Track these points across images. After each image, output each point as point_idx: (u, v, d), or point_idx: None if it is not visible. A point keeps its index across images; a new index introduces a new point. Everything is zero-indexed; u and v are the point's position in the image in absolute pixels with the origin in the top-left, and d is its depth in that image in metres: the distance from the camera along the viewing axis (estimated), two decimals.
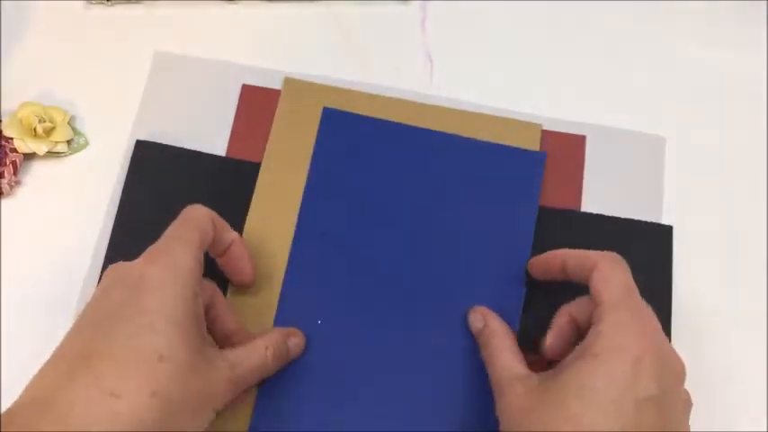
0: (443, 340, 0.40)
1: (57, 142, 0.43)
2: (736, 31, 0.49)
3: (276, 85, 0.45)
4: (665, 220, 0.44)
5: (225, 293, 0.40)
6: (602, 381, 0.30)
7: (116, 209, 0.42)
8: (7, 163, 0.42)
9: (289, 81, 0.45)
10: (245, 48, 0.47)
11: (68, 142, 0.43)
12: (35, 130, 0.42)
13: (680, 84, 0.48)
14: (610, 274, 0.33)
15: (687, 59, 0.48)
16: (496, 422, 0.34)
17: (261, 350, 0.35)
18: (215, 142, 0.44)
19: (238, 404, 0.37)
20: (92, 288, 0.39)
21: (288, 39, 0.47)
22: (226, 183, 0.43)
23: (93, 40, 0.47)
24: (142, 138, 0.44)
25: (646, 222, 0.43)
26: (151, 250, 0.33)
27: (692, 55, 0.48)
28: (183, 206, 0.36)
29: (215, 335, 0.37)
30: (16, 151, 0.42)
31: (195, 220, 0.35)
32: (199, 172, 0.43)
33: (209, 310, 0.36)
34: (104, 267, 0.40)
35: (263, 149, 0.43)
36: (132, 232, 0.41)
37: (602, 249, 0.36)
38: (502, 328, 0.37)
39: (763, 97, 0.47)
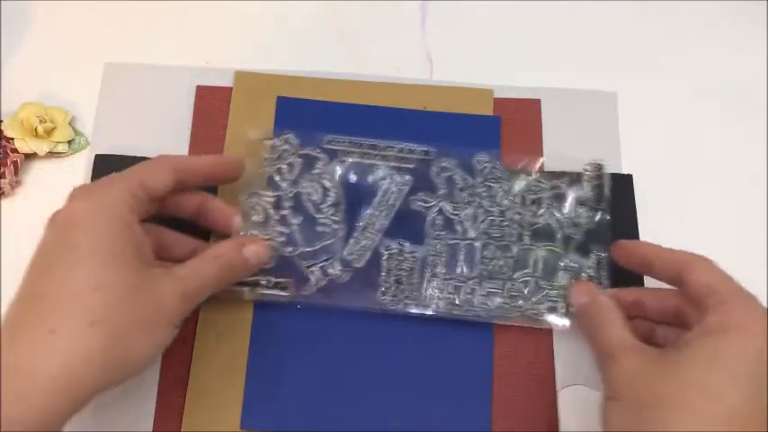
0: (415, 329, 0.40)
1: (57, 142, 0.43)
2: (736, 31, 0.49)
3: (231, 82, 0.46)
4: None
5: None
6: (739, 355, 0.31)
7: None
8: (8, 163, 0.42)
9: (240, 75, 0.46)
10: (197, 50, 0.47)
11: (69, 142, 0.44)
12: (36, 130, 0.42)
13: (680, 84, 0.48)
14: (714, 269, 0.35)
15: (687, 60, 0.48)
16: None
17: (209, 260, 0.35)
18: (176, 147, 0.44)
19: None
20: None
21: (245, 37, 0.48)
22: None
23: (94, 39, 0.47)
24: (101, 152, 0.43)
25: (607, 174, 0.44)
26: (81, 187, 0.34)
27: (693, 55, 0.49)
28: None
29: (178, 261, 0.36)
30: (17, 151, 0.42)
31: (144, 163, 0.36)
32: None
33: (159, 242, 0.37)
34: None
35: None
36: None
37: None
38: (610, 302, 0.37)
39: (763, 97, 0.48)
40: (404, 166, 0.42)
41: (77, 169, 0.43)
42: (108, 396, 0.38)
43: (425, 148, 0.42)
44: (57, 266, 0.31)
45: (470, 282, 0.40)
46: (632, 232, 0.43)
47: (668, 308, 0.37)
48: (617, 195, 0.43)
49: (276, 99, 0.45)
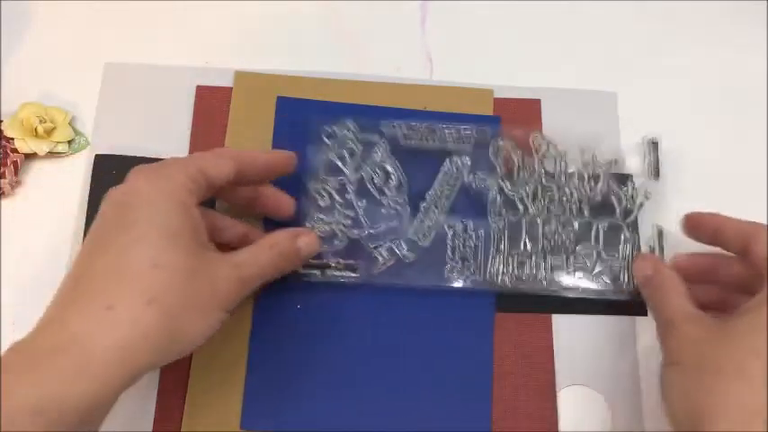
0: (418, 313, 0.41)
1: (57, 142, 0.43)
2: (737, 31, 0.49)
3: (231, 83, 0.46)
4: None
5: None
6: None
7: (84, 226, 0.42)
8: (8, 163, 0.42)
9: (240, 75, 0.46)
10: (197, 50, 0.47)
11: (69, 142, 0.43)
12: (36, 130, 0.42)
13: (680, 84, 0.48)
14: None
15: (687, 60, 0.48)
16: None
17: (265, 249, 0.36)
18: (176, 147, 0.44)
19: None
20: None
21: (245, 37, 0.47)
22: None
23: (94, 39, 0.47)
24: (101, 152, 0.43)
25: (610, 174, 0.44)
26: (141, 167, 0.34)
27: (693, 55, 0.49)
28: None
29: (228, 245, 0.37)
30: (17, 151, 0.42)
31: (206, 152, 0.36)
32: None
33: (212, 226, 0.37)
34: None
35: None
36: None
37: None
38: (673, 273, 0.38)
39: (763, 97, 0.48)
40: (462, 147, 0.43)
41: (77, 169, 0.43)
42: None
43: (483, 128, 0.43)
44: (115, 243, 0.31)
45: (534, 257, 0.41)
46: (635, 221, 0.43)
47: (740, 276, 0.38)
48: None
49: (276, 99, 0.45)
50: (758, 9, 0.50)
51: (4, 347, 0.38)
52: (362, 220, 0.41)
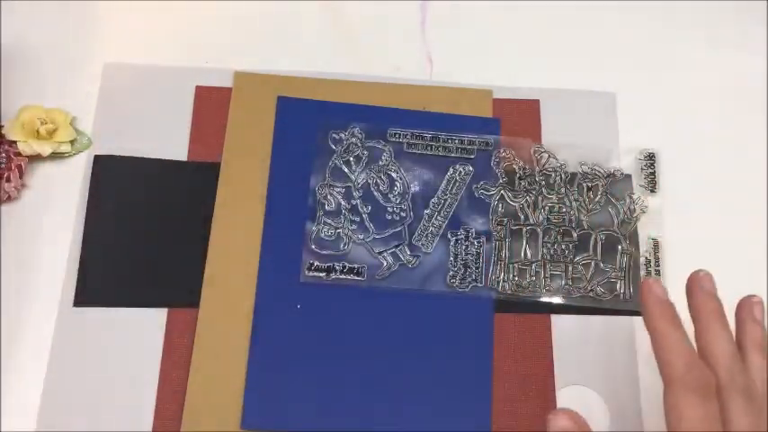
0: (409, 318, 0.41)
1: (60, 143, 0.43)
2: (736, 31, 0.49)
3: (230, 83, 0.46)
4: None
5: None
6: None
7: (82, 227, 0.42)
8: (13, 167, 0.42)
9: (240, 75, 0.46)
10: (196, 50, 0.47)
11: (72, 142, 0.44)
12: (38, 132, 0.42)
13: (680, 84, 0.48)
14: None
15: (687, 59, 0.48)
16: None
17: None
18: (176, 147, 0.44)
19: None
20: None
21: (245, 37, 0.48)
22: (189, 187, 0.43)
23: (94, 39, 0.47)
24: (101, 152, 0.43)
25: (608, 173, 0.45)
26: None
27: (692, 55, 0.49)
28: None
29: None
30: (20, 155, 0.42)
31: None
32: (161, 179, 0.43)
33: None
34: (78, 286, 0.40)
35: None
36: (101, 249, 0.41)
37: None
38: None
39: (763, 97, 0.48)
40: (465, 156, 0.44)
41: (81, 169, 0.43)
42: (108, 396, 0.39)
43: (486, 140, 0.44)
44: None
45: (534, 265, 0.42)
46: (632, 233, 0.43)
47: None
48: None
49: (276, 99, 0.45)
50: (758, 9, 0.50)
51: (4, 348, 0.39)
52: (368, 225, 0.42)
